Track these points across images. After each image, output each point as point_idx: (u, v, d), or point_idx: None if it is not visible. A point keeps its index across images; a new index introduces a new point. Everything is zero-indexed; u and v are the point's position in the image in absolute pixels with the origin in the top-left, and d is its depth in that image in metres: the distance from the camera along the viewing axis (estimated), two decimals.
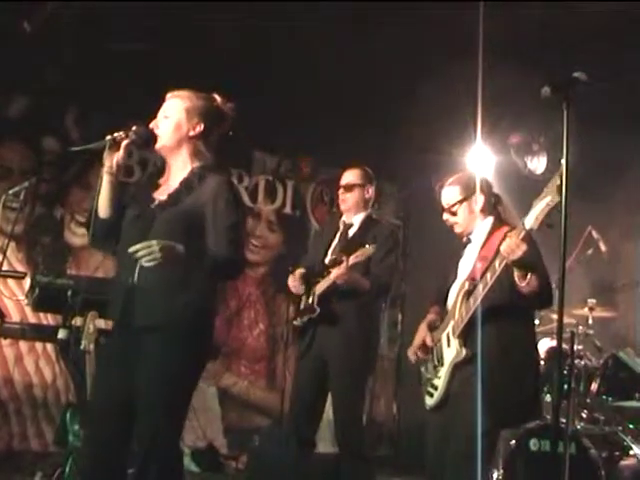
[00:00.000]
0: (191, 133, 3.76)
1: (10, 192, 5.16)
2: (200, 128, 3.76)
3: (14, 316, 7.02)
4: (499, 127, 7.83)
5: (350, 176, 5.35)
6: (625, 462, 5.21)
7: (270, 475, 5.72)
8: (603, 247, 6.34)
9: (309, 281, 5.25)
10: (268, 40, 6.62)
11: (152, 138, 3.74)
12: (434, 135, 8.29)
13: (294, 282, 5.27)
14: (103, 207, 3.75)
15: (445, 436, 3.98)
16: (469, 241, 4.21)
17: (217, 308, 3.80)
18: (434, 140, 8.32)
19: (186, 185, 3.71)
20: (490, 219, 4.15)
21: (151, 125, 3.77)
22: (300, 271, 5.29)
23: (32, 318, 6.95)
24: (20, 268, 7.20)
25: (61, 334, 5.50)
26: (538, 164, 7.79)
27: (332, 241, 5.35)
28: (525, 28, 6.21)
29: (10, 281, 6.95)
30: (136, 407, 3.56)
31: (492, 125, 7.87)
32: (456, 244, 4.33)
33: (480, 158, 7.91)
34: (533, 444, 5.29)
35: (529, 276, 3.74)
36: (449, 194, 4.24)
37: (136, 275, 3.59)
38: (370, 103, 7.61)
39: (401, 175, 9.35)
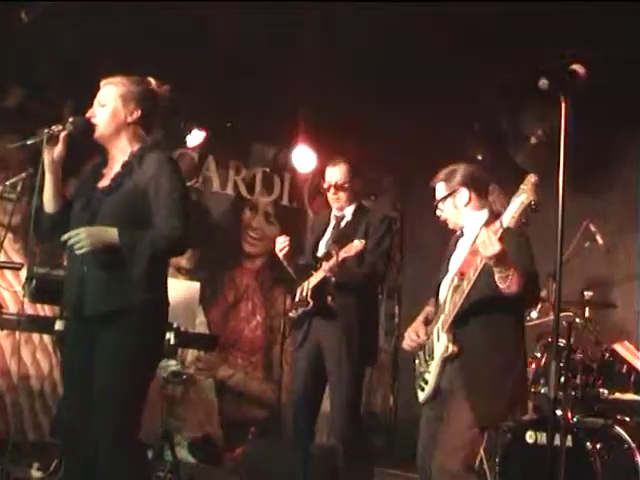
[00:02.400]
0: (129, 119, 3.75)
1: (7, 183, 5.17)
2: (138, 114, 3.75)
3: (11, 307, 7.01)
4: (498, 119, 7.84)
5: (336, 174, 5.29)
6: (621, 455, 5.21)
7: (267, 467, 5.73)
8: (600, 240, 6.34)
9: (305, 273, 5.26)
10: (269, 30, 6.61)
11: (90, 128, 3.71)
12: (432, 127, 8.28)
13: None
14: (47, 202, 3.74)
15: (435, 430, 3.98)
16: (462, 234, 4.21)
17: (167, 294, 3.75)
18: (432, 132, 8.32)
19: (127, 168, 3.69)
20: (484, 212, 4.12)
21: (88, 114, 3.75)
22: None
23: (29, 309, 6.95)
24: (17, 259, 7.19)
25: (58, 325, 5.51)
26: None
27: (324, 233, 5.34)
28: (524, 20, 6.18)
29: (7, 272, 6.95)
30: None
31: (490, 117, 7.88)
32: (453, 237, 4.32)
33: (476, 150, 7.91)
34: (529, 437, 5.31)
35: (509, 279, 3.70)
36: (437, 190, 4.24)
37: (85, 266, 3.60)
38: (369, 96, 7.60)
39: (399, 167, 9.35)
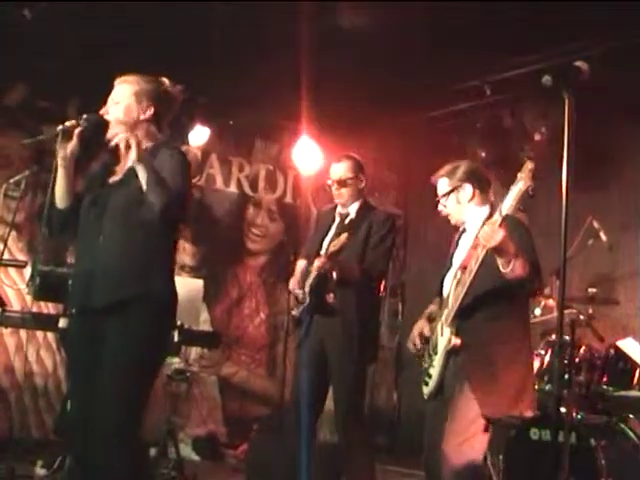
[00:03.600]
0: (142, 117, 3.76)
1: (11, 181, 5.17)
2: (151, 111, 3.77)
3: (15, 305, 7.02)
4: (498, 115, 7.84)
5: (341, 170, 5.29)
6: (625, 452, 5.21)
7: (271, 464, 5.73)
8: (604, 237, 6.33)
9: (307, 273, 5.25)
10: (272, 28, 6.61)
11: (103, 124, 3.71)
12: (434, 123, 8.28)
13: (295, 285, 5.27)
14: (59, 197, 3.74)
15: (440, 425, 3.97)
16: (464, 231, 4.21)
17: (175, 290, 3.73)
18: (434, 128, 8.32)
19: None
20: (486, 208, 4.12)
21: (101, 112, 3.76)
22: (300, 270, 5.28)
23: (33, 307, 6.95)
24: (21, 257, 7.21)
25: (62, 323, 5.51)
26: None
27: (329, 232, 5.33)
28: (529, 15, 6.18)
29: (11, 270, 6.95)
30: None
31: (492, 113, 7.88)
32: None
33: (478, 145, 7.91)
34: (533, 433, 5.31)
35: (512, 263, 3.70)
36: (440, 186, 4.25)
37: (94, 259, 3.60)
38: (372, 93, 7.60)
39: (401, 164, 9.35)
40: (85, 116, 3.68)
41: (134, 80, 3.78)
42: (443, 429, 3.91)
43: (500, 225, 3.59)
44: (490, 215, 4.00)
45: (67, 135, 3.65)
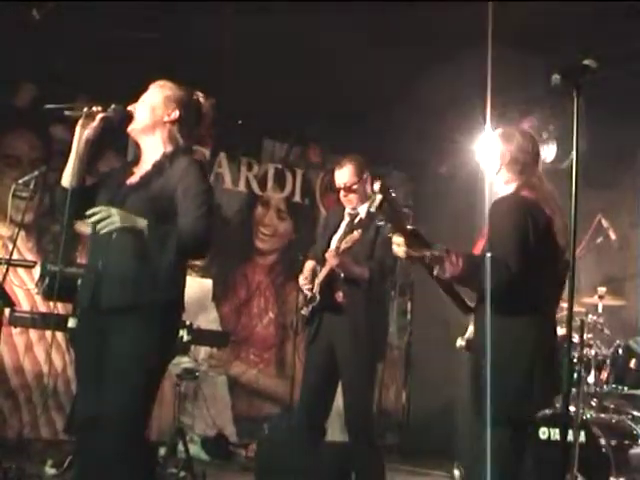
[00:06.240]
0: (166, 118, 3.79)
1: (20, 181, 5.17)
2: (176, 115, 3.80)
3: (24, 305, 7.04)
4: (508, 114, 7.82)
5: (345, 176, 5.26)
6: (634, 450, 5.21)
7: (279, 463, 5.74)
8: (613, 235, 6.32)
9: (316, 271, 5.25)
10: (273, 27, 6.62)
11: (127, 118, 3.77)
12: (443, 123, 8.27)
13: (304, 281, 5.26)
14: (66, 176, 3.77)
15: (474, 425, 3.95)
16: None
17: (184, 290, 3.75)
18: (443, 128, 8.31)
19: (158, 167, 3.72)
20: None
21: (129, 107, 3.80)
22: (309, 268, 5.27)
23: (42, 307, 6.98)
24: (30, 257, 7.22)
25: (71, 323, 5.53)
26: (547, 152, 7.76)
27: (337, 230, 5.33)
28: (535, 13, 6.18)
29: (20, 270, 6.97)
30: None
31: (501, 112, 7.87)
32: (469, 227, 4.29)
33: (488, 145, 7.89)
34: (543, 432, 5.30)
35: (436, 268, 3.66)
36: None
37: (105, 259, 3.61)
38: (379, 91, 7.60)
39: (410, 163, 9.34)
40: (113, 106, 3.74)
41: (167, 85, 3.85)
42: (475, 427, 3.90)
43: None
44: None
45: (90, 117, 3.71)
